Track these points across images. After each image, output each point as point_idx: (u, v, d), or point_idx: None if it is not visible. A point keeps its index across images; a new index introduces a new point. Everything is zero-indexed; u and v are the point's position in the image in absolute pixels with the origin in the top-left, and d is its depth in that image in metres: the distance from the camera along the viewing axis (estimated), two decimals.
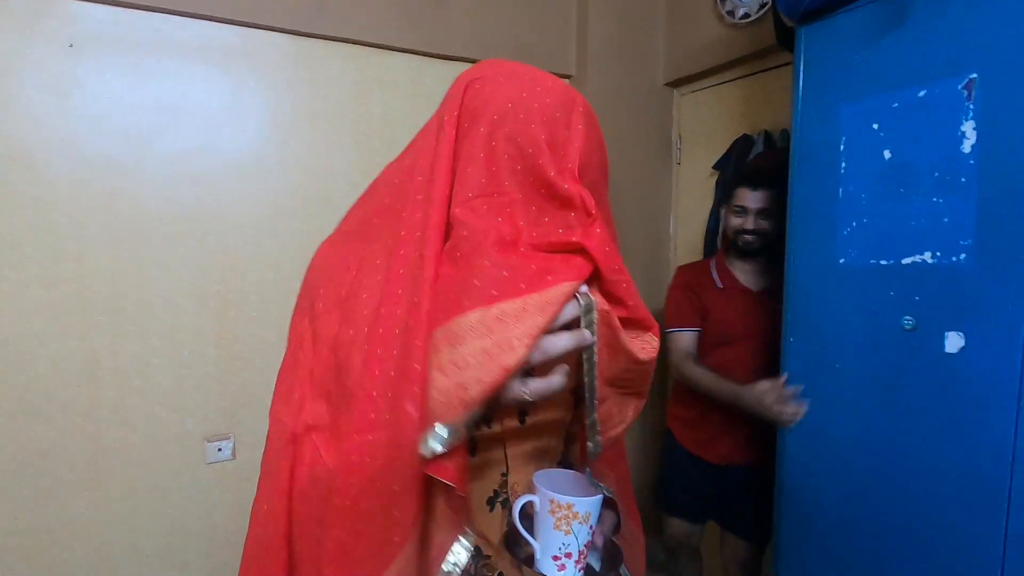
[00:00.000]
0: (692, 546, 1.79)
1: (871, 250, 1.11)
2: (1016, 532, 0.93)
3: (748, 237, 1.56)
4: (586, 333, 0.50)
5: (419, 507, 0.49)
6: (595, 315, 0.50)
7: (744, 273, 1.64)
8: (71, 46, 1.39)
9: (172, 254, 1.52)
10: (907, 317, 1.05)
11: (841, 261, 1.16)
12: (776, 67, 1.81)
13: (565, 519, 0.55)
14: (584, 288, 0.51)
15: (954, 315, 0.99)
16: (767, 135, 1.83)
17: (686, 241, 2.24)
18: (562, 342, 0.48)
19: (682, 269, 1.79)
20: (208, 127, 1.54)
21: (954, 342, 0.99)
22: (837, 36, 1.14)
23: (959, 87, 0.96)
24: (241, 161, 1.58)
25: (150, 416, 1.52)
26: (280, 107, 1.63)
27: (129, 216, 1.47)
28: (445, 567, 0.53)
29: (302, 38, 1.64)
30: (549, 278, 0.48)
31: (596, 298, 0.51)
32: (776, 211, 1.51)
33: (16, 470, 1.39)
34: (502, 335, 0.45)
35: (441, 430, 0.45)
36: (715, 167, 2.02)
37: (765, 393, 1.30)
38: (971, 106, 0.95)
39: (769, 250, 1.57)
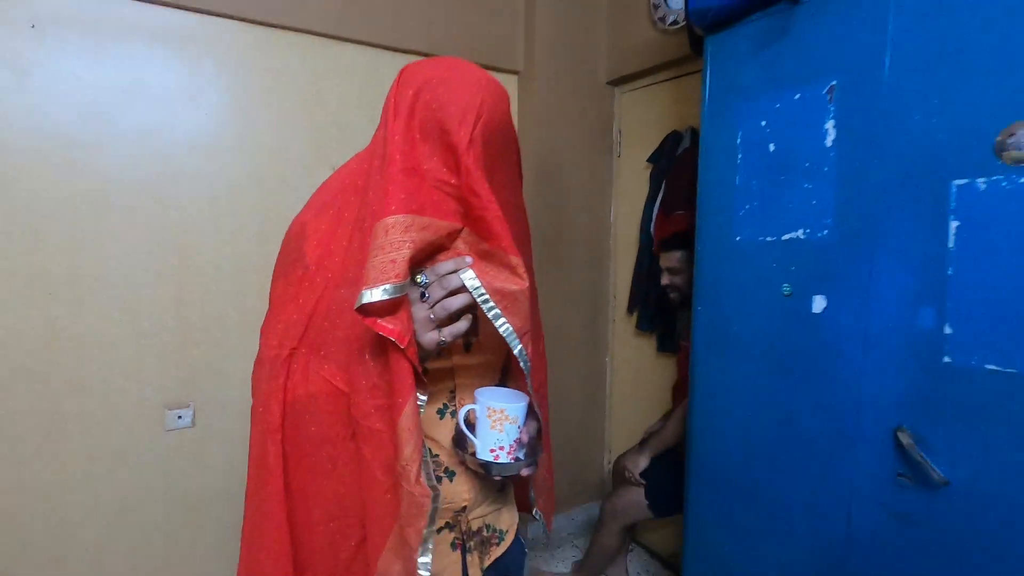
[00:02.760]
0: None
1: (759, 228, 1.30)
2: (862, 457, 1.13)
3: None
4: (466, 259, 0.68)
5: (407, 360, 0.67)
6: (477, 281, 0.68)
7: None
8: (33, 27, 1.44)
9: (131, 229, 1.59)
10: (786, 284, 1.24)
11: (737, 239, 1.35)
12: (699, 70, 2.00)
13: (499, 420, 0.73)
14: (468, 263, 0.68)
15: (819, 281, 1.18)
16: (693, 131, 2.03)
17: (624, 228, 2.43)
18: (453, 275, 0.67)
19: None
20: (166, 108, 1.62)
21: (819, 304, 1.19)
22: (736, 45, 1.33)
23: (823, 92, 1.15)
24: (198, 141, 1.67)
25: (109, 385, 1.59)
26: (237, 91, 1.71)
27: (88, 191, 1.53)
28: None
29: (259, 26, 1.73)
30: (430, 208, 0.68)
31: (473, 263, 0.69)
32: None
33: None
34: (408, 233, 0.65)
35: (374, 290, 0.62)
36: (649, 160, 2.21)
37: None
38: (832, 108, 1.14)
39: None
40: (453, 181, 0.69)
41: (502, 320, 0.69)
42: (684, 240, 1.73)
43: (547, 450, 0.96)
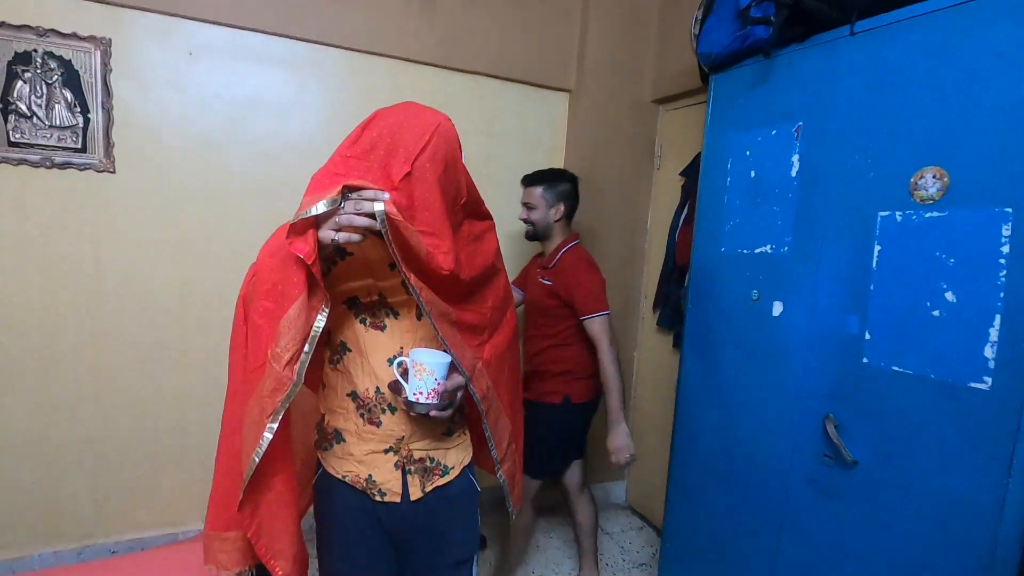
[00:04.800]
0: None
1: (739, 242, 1.52)
2: (799, 439, 1.34)
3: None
4: (385, 193, 0.85)
5: (304, 273, 0.88)
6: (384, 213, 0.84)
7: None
8: (190, 54, 1.93)
9: (247, 213, 2.06)
10: (755, 291, 1.47)
11: (723, 250, 1.58)
12: None
13: (419, 372, 0.94)
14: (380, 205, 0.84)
15: (779, 289, 1.40)
16: None
17: (658, 233, 2.65)
18: (367, 201, 0.86)
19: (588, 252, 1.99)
20: (279, 118, 2.06)
21: (778, 308, 1.40)
22: (732, 83, 1.56)
23: (792, 130, 1.37)
24: (301, 145, 2.10)
25: (222, 326, 2.06)
26: (334, 105, 2.14)
27: (217, 182, 2.01)
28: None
29: (353, 52, 2.14)
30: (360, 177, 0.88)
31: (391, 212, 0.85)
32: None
33: (134, 359, 1.96)
34: (338, 178, 0.87)
35: (318, 204, 0.83)
36: (681, 174, 2.43)
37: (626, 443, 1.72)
38: (798, 144, 1.36)
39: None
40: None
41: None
42: (542, 178, 1.91)
43: (519, 427, 1.21)
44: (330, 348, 1.09)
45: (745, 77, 1.51)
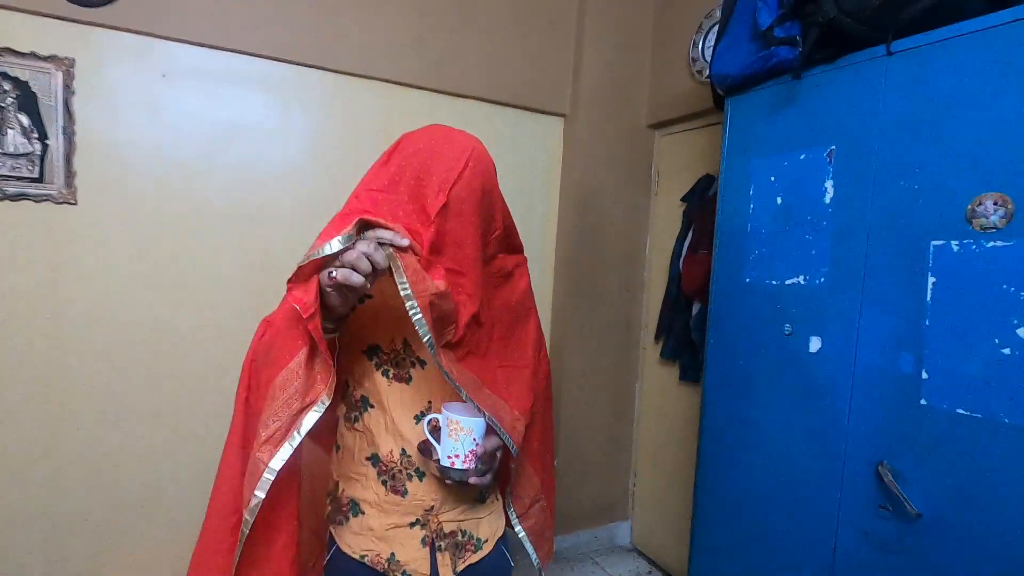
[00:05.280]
0: None
1: (767, 272, 1.43)
2: (848, 488, 1.23)
3: None
4: (405, 240, 0.75)
5: (305, 334, 0.76)
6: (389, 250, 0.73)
7: None
8: (164, 76, 1.77)
9: (225, 243, 1.89)
10: (787, 324, 1.37)
11: (747, 280, 1.48)
12: None
13: (456, 431, 0.82)
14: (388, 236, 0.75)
15: (816, 323, 1.31)
16: None
17: (658, 261, 2.57)
18: (383, 240, 0.76)
19: None
20: (262, 143, 1.92)
21: (815, 344, 1.31)
22: (750, 107, 1.48)
23: (824, 154, 1.29)
24: (285, 173, 1.96)
25: (199, 372, 1.87)
26: (319, 130, 2.00)
27: (194, 212, 1.84)
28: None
29: (339, 75, 2.02)
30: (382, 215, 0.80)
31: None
32: None
33: (97, 409, 1.75)
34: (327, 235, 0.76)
35: (332, 242, 0.72)
36: (683, 199, 2.35)
37: None
38: (831, 169, 1.28)
39: None
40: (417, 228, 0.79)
41: (411, 303, 0.73)
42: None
43: (550, 482, 1.07)
44: (346, 403, 0.93)
45: (766, 99, 1.44)
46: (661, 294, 2.48)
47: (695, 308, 2.18)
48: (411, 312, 0.73)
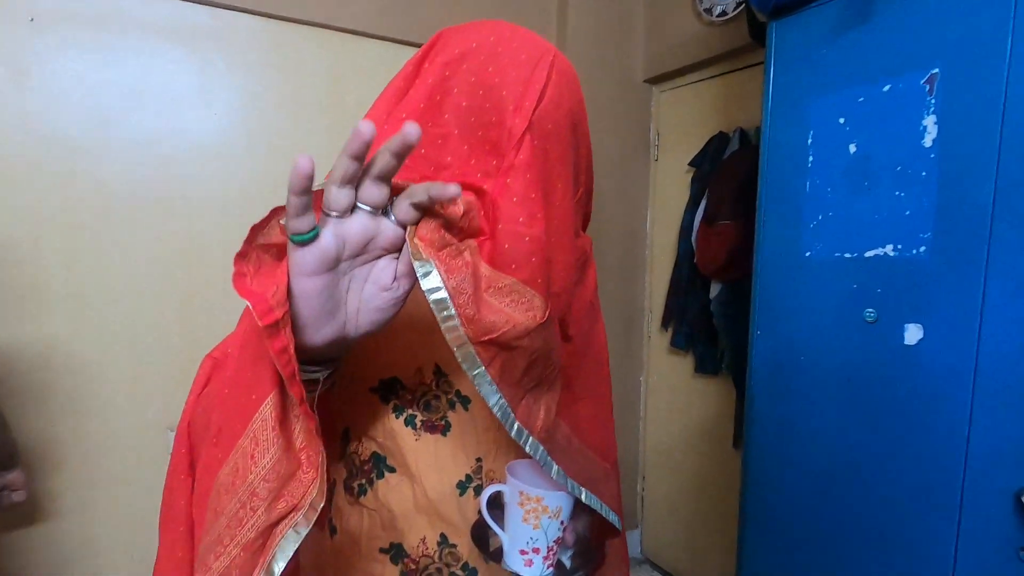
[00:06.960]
0: None
1: (836, 243, 1.11)
2: (969, 525, 0.94)
3: None
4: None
5: (273, 374, 0.40)
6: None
7: None
8: (32, 20, 1.34)
9: (135, 239, 1.48)
10: (869, 309, 1.06)
11: (807, 254, 1.17)
12: (752, 65, 1.82)
13: (534, 512, 0.52)
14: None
15: (914, 307, 1.00)
16: (742, 132, 1.85)
17: (661, 237, 2.25)
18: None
19: None
20: (173, 109, 1.50)
21: (914, 334, 1.00)
22: (806, 31, 1.15)
23: (921, 82, 0.97)
24: (208, 145, 1.55)
25: (109, 405, 1.48)
26: (250, 91, 1.59)
27: (89, 199, 1.42)
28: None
29: (275, 21, 1.61)
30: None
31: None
32: None
33: None
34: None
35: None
36: (691, 164, 2.03)
37: None
38: (933, 100, 0.96)
39: None
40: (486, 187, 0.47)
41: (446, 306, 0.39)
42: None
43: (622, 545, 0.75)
44: (347, 464, 0.58)
45: (828, 18, 1.11)
46: (666, 274, 2.16)
47: (714, 289, 1.87)
48: (444, 324, 0.40)
